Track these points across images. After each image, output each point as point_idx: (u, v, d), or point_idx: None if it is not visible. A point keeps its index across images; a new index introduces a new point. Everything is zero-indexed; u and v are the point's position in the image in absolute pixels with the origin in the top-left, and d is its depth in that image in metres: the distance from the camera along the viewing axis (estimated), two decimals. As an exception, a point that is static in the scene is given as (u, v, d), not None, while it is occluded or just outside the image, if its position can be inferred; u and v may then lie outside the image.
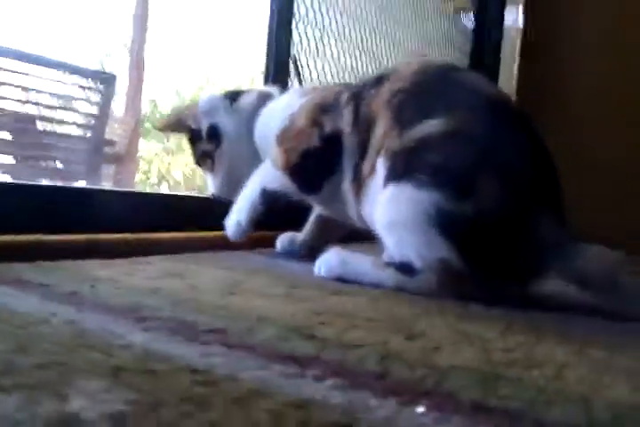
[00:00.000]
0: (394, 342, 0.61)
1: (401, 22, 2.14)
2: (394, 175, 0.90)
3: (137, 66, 5.03)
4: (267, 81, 1.57)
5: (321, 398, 0.43)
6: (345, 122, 1.06)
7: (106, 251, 0.96)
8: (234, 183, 1.20)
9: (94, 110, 3.48)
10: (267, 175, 1.14)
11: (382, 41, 2.03)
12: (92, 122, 3.49)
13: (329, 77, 1.79)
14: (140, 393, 0.41)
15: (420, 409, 0.42)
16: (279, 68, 1.58)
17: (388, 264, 0.92)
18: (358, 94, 1.07)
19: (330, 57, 1.78)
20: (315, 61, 1.71)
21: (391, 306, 0.80)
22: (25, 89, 3.35)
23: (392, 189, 0.90)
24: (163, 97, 7.95)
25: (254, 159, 1.19)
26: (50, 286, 0.70)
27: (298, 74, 1.65)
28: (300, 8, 1.63)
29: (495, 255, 0.86)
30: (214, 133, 1.24)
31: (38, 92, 3.38)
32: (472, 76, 1.02)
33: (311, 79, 1.70)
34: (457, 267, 0.85)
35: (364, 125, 1.02)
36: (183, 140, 1.35)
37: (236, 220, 1.15)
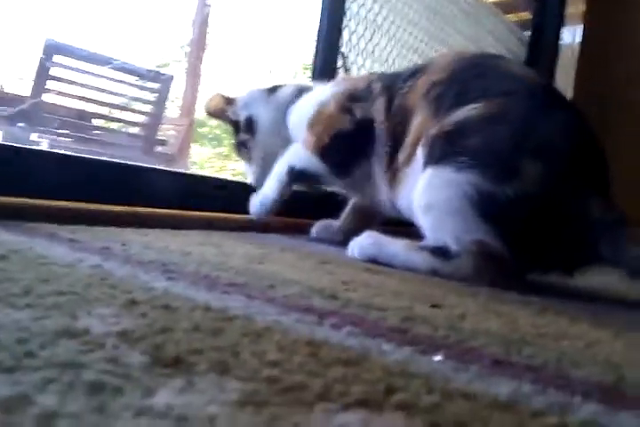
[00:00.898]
0: (418, 308, 0.59)
1: (454, 26, 2.12)
2: (432, 159, 0.89)
3: (194, 70, 5.13)
4: (314, 77, 1.58)
5: (334, 341, 0.42)
6: (377, 111, 1.07)
7: (144, 223, 0.97)
8: (268, 172, 1.21)
9: (148, 109, 3.56)
10: (295, 155, 1.16)
11: (433, 43, 2.02)
12: (146, 120, 3.58)
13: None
14: (150, 320, 0.41)
15: (438, 357, 0.41)
16: (326, 65, 1.58)
17: (423, 247, 0.90)
18: (392, 85, 1.08)
19: (379, 56, 1.77)
20: (364, 59, 1.71)
21: (421, 284, 0.78)
22: (84, 87, 3.46)
23: (430, 172, 0.89)
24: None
25: (287, 148, 1.21)
26: (81, 242, 0.71)
27: (346, 71, 1.65)
28: (351, 6, 1.64)
29: (538, 240, 0.84)
30: (250, 124, 1.28)
31: (96, 90, 3.48)
32: (509, 62, 1.01)
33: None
34: (495, 250, 0.83)
35: (398, 116, 1.03)
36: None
37: (261, 198, 1.17)
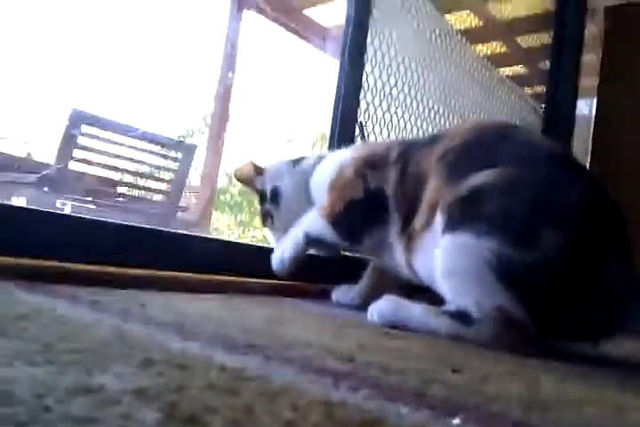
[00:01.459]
0: (439, 372, 0.58)
1: (469, 97, 2.18)
2: (450, 225, 0.90)
3: (216, 139, 5.27)
4: (331, 146, 1.62)
5: (351, 403, 0.41)
6: (390, 180, 1.09)
7: (164, 286, 0.98)
8: None
9: (172, 177, 3.65)
10: (312, 221, 1.18)
11: (449, 114, 2.07)
12: (169, 188, 3.65)
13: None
14: (166, 379, 0.40)
15: (456, 421, 0.40)
16: (344, 134, 1.62)
17: (443, 312, 0.89)
18: (409, 152, 1.10)
19: (396, 125, 1.82)
20: (380, 129, 1.75)
21: (442, 348, 0.77)
22: (109, 155, 3.56)
23: (448, 238, 0.89)
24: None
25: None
26: (102, 303, 0.72)
27: (363, 137, 1.69)
28: (368, 78, 1.70)
29: (559, 307, 0.82)
30: (275, 195, 1.32)
31: (121, 158, 3.58)
32: (526, 131, 1.03)
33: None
34: (516, 316, 0.82)
35: (412, 183, 1.05)
36: (255, 216, 1.44)
37: (279, 257, 1.19)
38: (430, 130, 1.96)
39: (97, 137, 3.28)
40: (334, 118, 1.60)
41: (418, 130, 1.92)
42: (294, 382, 0.45)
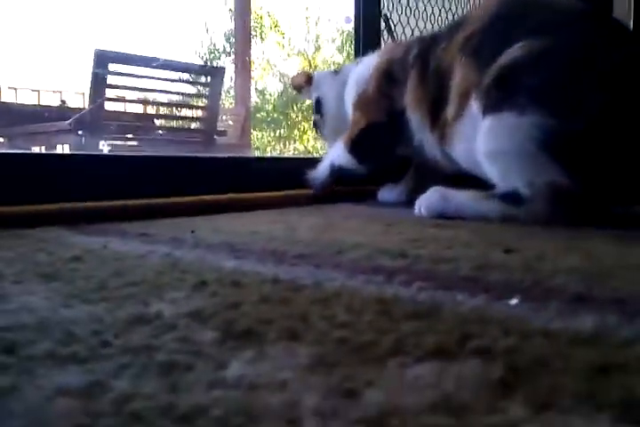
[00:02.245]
0: (491, 255, 0.57)
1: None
2: (489, 107, 0.86)
3: (243, 57, 5.14)
4: (357, 42, 1.55)
5: (405, 297, 0.41)
6: (409, 86, 1.07)
7: (211, 209, 0.99)
8: None
9: (205, 103, 3.61)
10: (337, 148, 1.20)
11: None
12: (205, 114, 3.63)
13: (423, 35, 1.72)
14: (220, 298, 0.41)
15: (514, 301, 0.39)
16: (369, 28, 1.54)
17: (492, 195, 0.87)
18: (427, 50, 1.06)
19: (423, 11, 1.72)
20: (407, 18, 1.66)
21: (493, 232, 0.76)
22: (140, 90, 3.54)
23: (490, 120, 0.85)
24: (270, 85, 8.15)
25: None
26: (152, 235, 0.73)
27: (390, 31, 1.61)
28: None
29: (612, 171, 0.79)
30: (319, 105, 1.33)
31: (152, 91, 3.56)
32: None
33: (405, 36, 1.65)
34: (568, 189, 0.79)
35: (435, 78, 1.01)
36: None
37: (313, 177, 1.23)
38: (461, 12, 1.84)
39: (124, 74, 3.24)
40: (357, 10, 1.52)
41: (447, 13, 1.81)
42: (346, 285, 0.45)
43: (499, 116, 0.83)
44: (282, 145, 7.87)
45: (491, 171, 0.88)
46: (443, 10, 1.82)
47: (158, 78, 3.43)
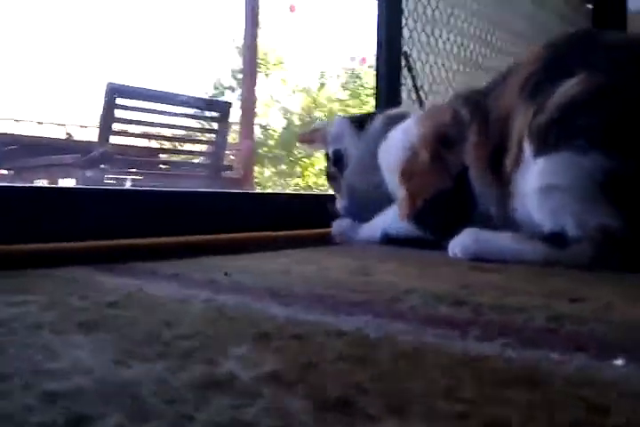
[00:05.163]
0: (557, 305, 0.53)
1: (515, 10, 2.03)
2: (544, 147, 0.81)
3: (248, 94, 5.17)
4: (378, 79, 1.54)
5: (492, 355, 0.37)
6: (470, 147, 0.98)
7: (231, 248, 0.95)
8: (358, 208, 1.20)
9: (212, 138, 3.60)
10: (391, 222, 1.10)
11: (496, 30, 1.94)
12: (211, 149, 3.61)
13: (442, 72, 1.72)
14: (290, 354, 0.37)
15: (619, 361, 0.35)
16: (390, 66, 1.53)
17: (534, 237, 0.83)
18: (480, 103, 0.99)
19: (442, 50, 1.71)
20: (427, 55, 1.65)
21: (542, 278, 0.72)
22: (145, 124, 3.53)
23: (546, 159, 0.81)
24: (273, 121, 8.20)
25: (379, 187, 1.14)
26: (183, 276, 0.69)
27: (409, 69, 1.60)
28: (408, 3, 1.59)
29: None
30: (339, 159, 1.25)
31: (160, 126, 3.55)
32: (604, 32, 0.92)
33: (424, 73, 1.64)
34: (619, 234, 0.76)
35: (496, 130, 0.94)
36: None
37: (343, 232, 1.18)
38: (478, 50, 1.84)
39: (138, 108, 3.22)
40: (378, 52, 1.51)
41: (465, 50, 1.81)
42: (421, 340, 0.41)
43: (556, 155, 0.80)
44: (283, 181, 7.87)
45: (539, 207, 0.83)
46: (462, 48, 1.82)
47: (169, 113, 3.42)
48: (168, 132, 3.88)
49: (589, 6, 2.48)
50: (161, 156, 3.84)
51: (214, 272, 0.71)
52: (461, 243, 0.89)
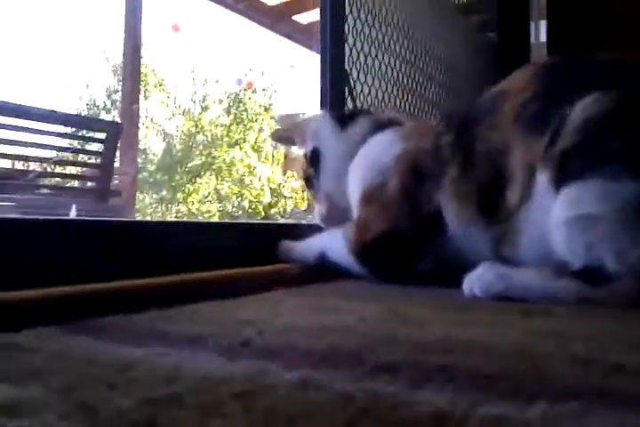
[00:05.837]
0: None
1: (442, 41, 2.03)
2: (570, 176, 0.74)
3: (130, 115, 4.87)
4: (323, 96, 1.43)
5: None
6: (449, 180, 0.89)
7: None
8: (335, 214, 1.08)
9: (99, 160, 3.31)
10: (334, 241, 1.00)
11: (428, 58, 1.92)
12: (97, 173, 3.31)
13: (379, 94, 1.66)
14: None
15: None
16: (333, 83, 1.44)
17: (563, 273, 0.75)
18: (466, 132, 0.91)
19: (382, 72, 1.65)
20: (365, 75, 1.58)
21: (587, 319, 0.65)
22: (22, 144, 3.18)
23: (573, 189, 0.73)
24: (153, 145, 7.84)
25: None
26: (202, 337, 0.51)
27: (350, 90, 1.51)
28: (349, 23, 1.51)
29: None
30: (315, 157, 1.12)
31: (38, 146, 3.21)
32: (595, 55, 0.88)
33: (362, 94, 1.56)
34: None
35: (486, 161, 0.86)
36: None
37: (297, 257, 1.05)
38: (414, 75, 1.80)
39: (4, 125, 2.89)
40: (323, 68, 1.41)
41: (403, 75, 1.76)
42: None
43: (585, 182, 0.72)
44: (164, 207, 7.49)
45: (569, 241, 0.75)
46: (401, 72, 1.77)
47: (45, 132, 3.11)
48: (45, 153, 3.54)
49: (491, 35, 2.54)
50: (41, 179, 3.47)
51: (225, 327, 0.54)
52: (481, 279, 0.79)
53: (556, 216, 0.76)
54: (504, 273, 0.79)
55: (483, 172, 0.86)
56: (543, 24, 2.61)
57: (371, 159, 1.02)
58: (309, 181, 1.14)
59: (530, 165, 0.80)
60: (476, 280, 0.79)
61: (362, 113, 1.17)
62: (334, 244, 1.00)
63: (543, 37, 2.62)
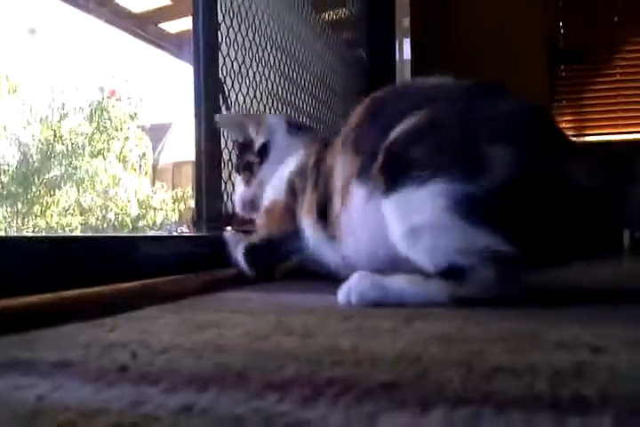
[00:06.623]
0: (583, 356, 0.47)
1: (315, 53, 2.05)
2: (388, 186, 0.80)
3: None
4: (197, 104, 1.40)
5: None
6: (307, 191, 1.07)
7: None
8: (254, 202, 1.23)
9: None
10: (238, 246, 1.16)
11: (303, 71, 1.93)
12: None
13: (255, 103, 1.65)
14: None
15: None
16: (208, 91, 1.41)
17: (430, 275, 0.79)
18: (322, 155, 1.06)
19: (257, 82, 1.64)
20: (240, 85, 1.56)
21: (485, 321, 0.66)
22: None
23: (391, 200, 0.80)
24: (6, 155, 7.29)
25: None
26: (69, 364, 0.46)
27: (224, 98, 1.49)
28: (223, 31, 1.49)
29: (541, 224, 0.75)
30: (264, 150, 1.23)
31: None
32: (425, 78, 0.97)
33: (237, 103, 1.55)
34: (508, 252, 0.73)
35: (323, 178, 1.02)
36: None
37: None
38: (290, 88, 1.82)
39: None
40: (196, 75, 1.38)
41: (279, 88, 1.77)
42: None
43: (399, 193, 0.78)
44: (19, 222, 6.97)
45: (415, 251, 0.80)
46: (276, 84, 1.78)
47: None
48: None
49: (361, 52, 2.62)
50: None
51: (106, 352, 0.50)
52: (356, 289, 0.81)
53: (393, 231, 0.81)
54: (378, 280, 0.81)
55: (321, 186, 1.02)
56: (407, 42, 2.73)
57: (279, 177, 1.18)
58: (247, 169, 1.26)
59: (347, 180, 0.92)
60: (352, 290, 0.81)
61: (308, 128, 1.40)
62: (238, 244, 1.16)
63: (408, 55, 2.74)
